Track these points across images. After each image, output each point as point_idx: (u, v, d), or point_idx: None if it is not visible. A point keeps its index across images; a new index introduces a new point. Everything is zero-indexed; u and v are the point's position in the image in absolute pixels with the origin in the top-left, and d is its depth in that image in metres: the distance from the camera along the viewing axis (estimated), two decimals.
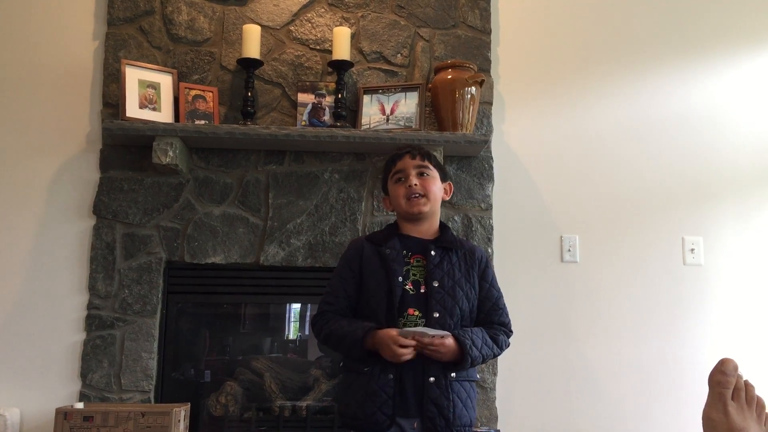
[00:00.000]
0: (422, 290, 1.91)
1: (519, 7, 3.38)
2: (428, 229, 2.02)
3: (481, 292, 2.01)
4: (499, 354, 2.02)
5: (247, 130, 2.90)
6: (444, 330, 1.88)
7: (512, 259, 3.16)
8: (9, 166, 3.04)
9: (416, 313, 1.91)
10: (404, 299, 1.91)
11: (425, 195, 1.97)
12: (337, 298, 1.98)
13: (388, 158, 2.07)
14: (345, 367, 2.00)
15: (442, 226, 2.07)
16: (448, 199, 2.12)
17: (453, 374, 1.89)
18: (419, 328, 1.85)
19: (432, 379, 1.87)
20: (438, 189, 2.02)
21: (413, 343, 1.83)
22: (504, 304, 2.07)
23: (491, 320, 2.02)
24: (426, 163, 2.01)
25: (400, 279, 1.90)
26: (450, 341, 1.86)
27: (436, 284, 1.91)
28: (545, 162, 3.27)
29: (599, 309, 3.19)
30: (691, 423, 2.94)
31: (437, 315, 1.89)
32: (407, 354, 1.82)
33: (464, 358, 1.87)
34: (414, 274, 1.94)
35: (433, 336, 1.83)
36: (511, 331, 2.07)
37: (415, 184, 1.96)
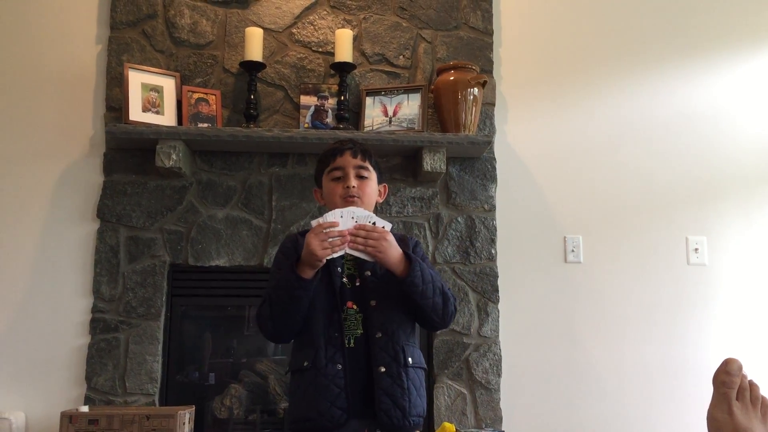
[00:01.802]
0: (357, 283, 1.87)
1: (521, 8, 3.38)
2: None
3: None
4: (449, 301, 1.86)
5: (250, 132, 2.91)
6: (384, 313, 1.81)
7: (516, 259, 3.16)
8: (13, 170, 3.05)
9: (354, 306, 1.85)
10: (343, 293, 1.86)
11: (360, 197, 1.91)
12: None
13: (326, 150, 1.99)
14: (291, 368, 1.91)
15: None
16: (381, 201, 2.05)
17: (410, 359, 1.82)
18: (350, 209, 1.76)
19: (382, 368, 1.78)
20: (374, 192, 1.97)
21: (336, 225, 1.73)
22: (440, 278, 1.96)
23: None
24: (366, 163, 1.94)
25: (339, 270, 1.86)
26: (393, 238, 1.78)
27: (368, 274, 1.87)
28: (548, 162, 3.27)
29: (603, 309, 3.18)
30: (695, 423, 2.93)
31: (374, 303, 1.84)
32: (337, 244, 1.72)
33: (411, 262, 1.77)
34: (348, 269, 1.90)
35: (374, 223, 1.74)
36: (455, 308, 1.93)
37: (353, 186, 1.90)
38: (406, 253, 1.81)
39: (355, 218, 1.77)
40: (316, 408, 1.76)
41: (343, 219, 1.77)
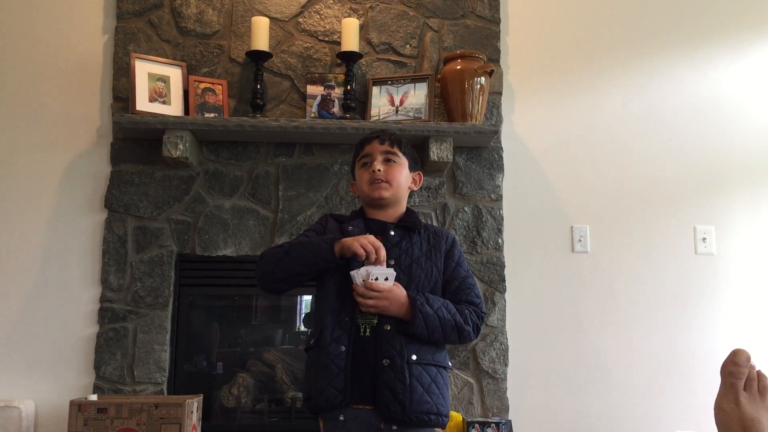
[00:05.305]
0: None
1: None
2: (392, 214, 1.98)
3: (446, 272, 1.95)
4: (465, 330, 1.86)
5: (257, 122, 2.91)
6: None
7: (523, 249, 3.16)
8: (21, 160, 3.06)
9: None
10: None
11: (388, 181, 1.93)
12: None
13: (358, 142, 2.03)
14: (306, 347, 1.93)
15: (408, 210, 2.03)
16: (416, 189, 2.07)
17: (414, 356, 1.80)
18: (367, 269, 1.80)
19: (386, 361, 1.77)
20: (404, 177, 1.98)
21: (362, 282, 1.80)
22: (473, 284, 1.97)
23: (459, 299, 1.93)
24: (394, 149, 1.97)
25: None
26: (399, 291, 1.81)
27: (392, 262, 1.87)
28: (555, 152, 3.26)
29: (610, 299, 3.18)
30: (702, 413, 2.93)
31: None
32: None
33: (414, 312, 1.79)
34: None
35: (375, 278, 1.78)
36: (484, 313, 1.94)
37: (379, 170, 1.93)
38: (411, 301, 1.81)
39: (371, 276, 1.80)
40: (316, 386, 1.79)
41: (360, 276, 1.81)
